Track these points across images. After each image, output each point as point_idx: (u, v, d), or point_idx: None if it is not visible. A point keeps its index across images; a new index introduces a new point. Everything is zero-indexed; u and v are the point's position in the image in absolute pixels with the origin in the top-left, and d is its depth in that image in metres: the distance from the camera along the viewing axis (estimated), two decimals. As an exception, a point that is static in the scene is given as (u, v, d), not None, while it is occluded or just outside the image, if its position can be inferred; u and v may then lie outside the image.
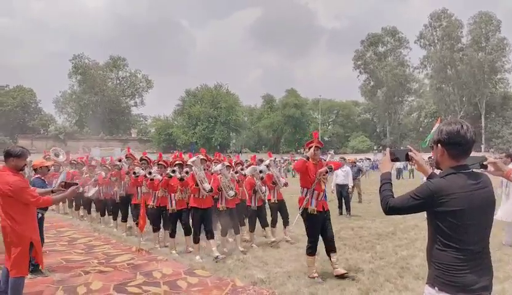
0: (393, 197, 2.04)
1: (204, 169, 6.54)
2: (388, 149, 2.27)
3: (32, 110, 59.49)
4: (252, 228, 7.27)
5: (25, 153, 4.07)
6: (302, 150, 57.97)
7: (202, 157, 6.69)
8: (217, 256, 6.06)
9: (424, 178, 2.21)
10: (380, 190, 2.14)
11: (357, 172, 13.61)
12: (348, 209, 10.84)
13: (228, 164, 7.11)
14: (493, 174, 2.45)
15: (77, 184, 4.42)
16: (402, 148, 2.46)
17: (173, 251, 6.70)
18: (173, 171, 6.54)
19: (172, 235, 6.85)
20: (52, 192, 4.35)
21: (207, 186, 6.21)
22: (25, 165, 4.17)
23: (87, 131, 55.56)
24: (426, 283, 1.97)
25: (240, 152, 43.21)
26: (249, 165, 7.58)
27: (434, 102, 55.88)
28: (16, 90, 57.31)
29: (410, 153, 2.15)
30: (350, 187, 11.09)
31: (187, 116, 52.67)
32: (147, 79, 63.53)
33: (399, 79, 56.15)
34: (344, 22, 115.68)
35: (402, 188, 7.05)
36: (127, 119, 63.64)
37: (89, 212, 10.26)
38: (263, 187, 7.23)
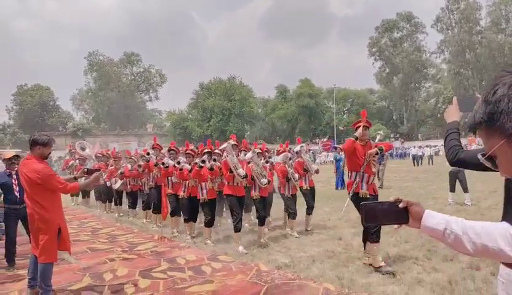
0: (462, 148, 1.87)
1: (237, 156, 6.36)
2: (454, 98, 2.08)
3: (50, 108, 60.63)
4: (294, 216, 6.86)
5: (51, 142, 4.11)
6: (317, 139, 57.58)
7: (233, 143, 6.49)
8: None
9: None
10: (445, 139, 1.97)
11: (381, 157, 13.48)
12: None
13: (259, 151, 6.78)
14: None
15: (99, 170, 4.45)
16: (468, 96, 2.24)
17: (208, 241, 6.40)
18: (203, 161, 6.35)
19: (209, 223, 6.52)
20: (75, 178, 4.39)
21: (242, 172, 5.95)
22: (50, 153, 4.20)
23: (104, 127, 56.40)
24: (501, 262, 1.81)
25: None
26: (281, 152, 7.26)
27: (452, 88, 54.54)
28: (34, 88, 58.44)
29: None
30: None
31: (201, 109, 52.80)
32: (160, 74, 64.02)
33: (415, 65, 54.94)
34: (357, 9, 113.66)
35: (421, 174, 6.89)
36: (142, 114, 64.35)
37: (120, 204, 10.08)
38: (296, 175, 6.90)
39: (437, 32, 53.89)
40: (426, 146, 32.66)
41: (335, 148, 21.11)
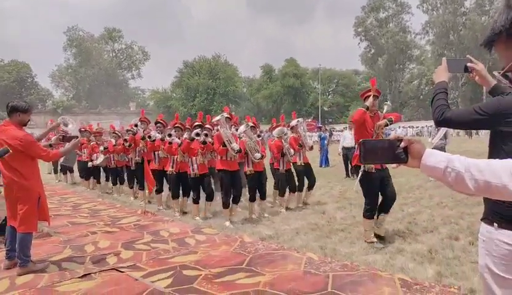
0: (449, 108, 1.83)
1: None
2: (444, 59, 2.05)
3: (28, 84, 58.67)
4: (282, 193, 6.80)
5: (31, 108, 3.98)
6: (301, 120, 57.53)
7: (226, 116, 6.17)
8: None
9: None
10: (432, 100, 1.94)
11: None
12: (353, 171, 11.00)
13: (252, 124, 6.50)
14: (479, 83, 2.07)
15: (77, 137, 4.33)
16: (458, 58, 2.19)
17: (197, 217, 6.27)
18: (197, 134, 6.08)
19: (196, 200, 6.37)
20: (50, 146, 4.25)
21: (236, 146, 5.77)
22: (29, 120, 4.05)
23: (85, 105, 55.11)
24: (482, 220, 1.76)
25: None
26: (276, 127, 7.01)
27: (436, 69, 55.07)
28: (11, 64, 56.28)
29: (469, 64, 1.95)
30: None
31: (185, 88, 52.08)
32: (143, 51, 62.48)
33: (400, 46, 55.13)
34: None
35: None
36: (125, 92, 62.99)
37: (98, 182, 9.84)
38: (291, 150, 6.73)
39: (422, 13, 53.96)
40: (409, 127, 33.16)
41: (319, 128, 21.26)
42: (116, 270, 3.93)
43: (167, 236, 5.24)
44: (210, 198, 6.41)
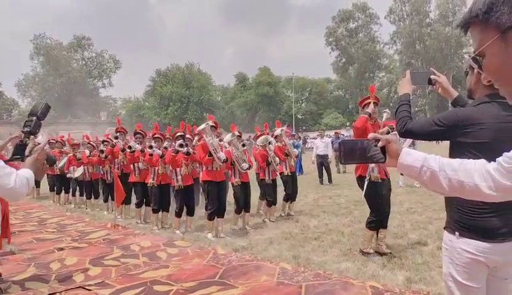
0: (411, 119, 1.88)
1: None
2: (407, 72, 2.09)
3: (-8, 94, 56.26)
4: (270, 203, 6.63)
5: None
6: (276, 128, 57.96)
7: (211, 124, 5.91)
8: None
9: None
10: (396, 111, 1.98)
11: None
12: (330, 178, 11.26)
13: (238, 133, 6.32)
14: (442, 94, 2.13)
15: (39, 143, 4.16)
16: (422, 71, 2.22)
17: (177, 231, 6.00)
18: (181, 145, 5.88)
19: (179, 213, 6.11)
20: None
21: (222, 155, 5.59)
22: None
23: (54, 115, 53.30)
24: (445, 228, 1.81)
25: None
26: (259, 135, 6.89)
27: (400, 81, 56.93)
28: (-27, 73, 53.86)
29: (432, 76, 2.00)
30: (330, 156, 11.61)
31: (158, 97, 51.38)
32: (114, 59, 61.24)
33: (369, 55, 56.72)
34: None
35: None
36: (95, 101, 61.44)
37: (73, 195, 9.29)
38: (277, 159, 6.60)
39: (390, 23, 55.85)
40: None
41: (293, 135, 21.46)
42: (83, 288, 3.78)
43: (138, 251, 5.10)
44: (191, 212, 6.21)
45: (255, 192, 6.99)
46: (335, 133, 15.37)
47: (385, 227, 4.60)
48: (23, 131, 2.03)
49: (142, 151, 6.55)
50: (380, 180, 4.40)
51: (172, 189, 6.49)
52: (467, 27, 0.78)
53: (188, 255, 4.80)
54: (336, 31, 59.24)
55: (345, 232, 5.61)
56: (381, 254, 4.45)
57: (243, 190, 6.00)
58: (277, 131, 6.97)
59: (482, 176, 1.03)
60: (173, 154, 5.88)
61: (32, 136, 2.07)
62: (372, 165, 4.35)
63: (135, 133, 7.26)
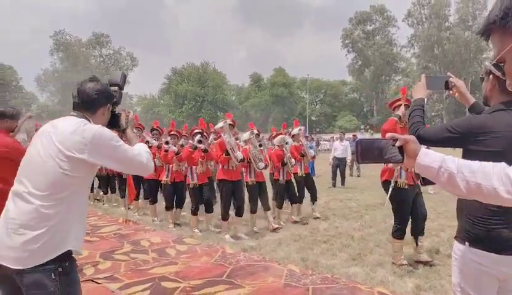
0: (424, 125, 1.86)
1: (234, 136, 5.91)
2: (423, 76, 2.06)
3: (13, 88, 57.63)
4: (280, 205, 6.66)
5: (18, 114, 3.86)
6: (290, 129, 57.81)
7: (230, 122, 5.76)
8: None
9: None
10: (409, 116, 1.96)
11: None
12: (343, 181, 11.22)
13: (257, 132, 6.19)
14: (459, 100, 2.07)
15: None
16: (438, 75, 2.19)
17: (196, 230, 5.94)
18: (200, 141, 5.79)
19: (195, 212, 6.04)
20: None
21: (240, 155, 5.50)
22: (16, 126, 3.95)
23: (70, 110, 54.35)
24: (455, 238, 1.78)
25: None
26: (276, 135, 6.82)
27: (415, 85, 56.12)
28: (-5, 67, 55.26)
29: (451, 79, 1.96)
30: (348, 160, 11.63)
31: (173, 95, 51.94)
32: (132, 57, 62.09)
33: (386, 58, 56.08)
34: (332, 0, 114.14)
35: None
36: (112, 98, 62.40)
37: (91, 190, 9.25)
38: (293, 160, 6.49)
39: (408, 26, 55.11)
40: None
41: (306, 137, 21.36)
42: (93, 281, 3.83)
43: (148, 246, 5.15)
44: (209, 209, 6.16)
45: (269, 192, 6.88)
46: (353, 135, 15.24)
47: (422, 233, 4.41)
48: (113, 103, 1.99)
49: (159, 147, 6.57)
50: (407, 187, 4.14)
51: (186, 187, 6.47)
52: (488, 34, 0.76)
53: (197, 253, 4.83)
54: (353, 33, 58.76)
55: (355, 236, 5.56)
56: (423, 263, 4.27)
57: (257, 189, 5.95)
58: (295, 131, 6.86)
59: (501, 180, 1.01)
60: (190, 150, 5.83)
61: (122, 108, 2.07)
62: (399, 170, 4.18)
63: (152, 129, 7.32)
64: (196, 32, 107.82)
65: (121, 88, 2.06)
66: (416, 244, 4.42)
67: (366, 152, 1.20)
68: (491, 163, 1.07)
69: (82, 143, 1.67)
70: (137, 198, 7.42)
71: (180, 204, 6.56)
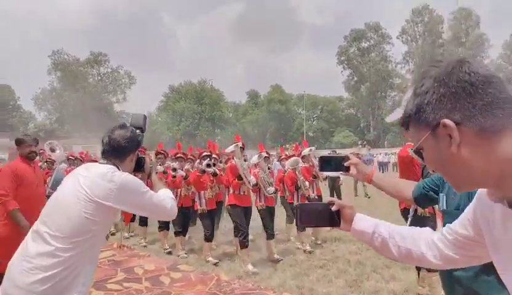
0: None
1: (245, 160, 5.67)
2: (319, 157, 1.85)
3: (10, 107, 57.75)
4: (303, 228, 5.94)
5: (21, 140, 3.72)
6: (287, 145, 57.92)
7: (240, 145, 5.43)
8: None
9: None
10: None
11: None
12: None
13: (266, 155, 5.95)
14: (357, 178, 1.89)
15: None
16: (332, 155, 2.06)
17: (210, 258, 5.59)
18: (208, 165, 5.54)
19: (209, 238, 5.68)
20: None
21: (253, 180, 5.28)
22: (34, 151, 3.86)
23: (68, 129, 54.38)
24: None
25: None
26: (289, 157, 6.60)
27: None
28: (-8, 86, 55.44)
29: (347, 163, 1.70)
30: (341, 179, 11.45)
31: (171, 112, 52.20)
32: (129, 75, 62.52)
33: (381, 74, 56.74)
34: (326, 17, 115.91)
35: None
36: (109, 116, 62.51)
37: None
38: (306, 182, 6.24)
39: (402, 43, 55.97)
40: (392, 153, 33.62)
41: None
42: (84, 314, 3.75)
43: (141, 274, 5.08)
44: (209, 238, 5.76)
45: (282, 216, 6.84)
46: (356, 154, 14.79)
47: None
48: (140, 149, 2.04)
49: (164, 173, 6.20)
50: (427, 215, 3.83)
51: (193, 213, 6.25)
52: (407, 125, 0.83)
53: (191, 281, 4.76)
54: (348, 50, 59.57)
55: (352, 260, 5.49)
56: None
57: (268, 214, 5.66)
58: (305, 151, 6.63)
59: (427, 245, 1.07)
60: (198, 174, 5.53)
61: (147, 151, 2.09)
62: None
63: (157, 153, 6.88)
64: (194, 50, 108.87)
65: (143, 131, 2.08)
66: (418, 277, 4.16)
67: (307, 216, 1.23)
68: (418, 229, 1.14)
69: (110, 190, 1.71)
70: (133, 220, 7.34)
71: (185, 231, 6.32)
